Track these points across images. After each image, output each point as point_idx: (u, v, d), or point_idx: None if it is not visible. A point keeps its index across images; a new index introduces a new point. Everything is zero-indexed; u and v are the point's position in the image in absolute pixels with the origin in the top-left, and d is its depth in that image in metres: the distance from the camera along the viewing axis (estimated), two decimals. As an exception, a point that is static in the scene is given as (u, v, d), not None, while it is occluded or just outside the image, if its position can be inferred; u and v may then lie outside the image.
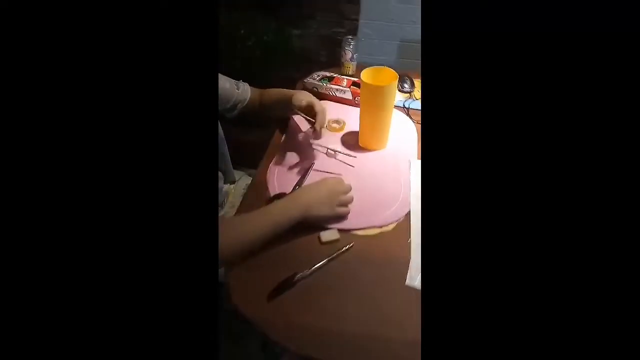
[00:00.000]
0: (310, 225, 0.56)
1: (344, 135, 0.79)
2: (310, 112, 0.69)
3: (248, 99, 0.77)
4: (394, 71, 0.67)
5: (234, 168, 0.85)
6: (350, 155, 0.72)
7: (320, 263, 0.51)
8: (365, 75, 0.67)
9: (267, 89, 0.80)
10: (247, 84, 0.79)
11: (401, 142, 0.76)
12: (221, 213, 0.77)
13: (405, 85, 0.94)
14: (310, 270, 0.50)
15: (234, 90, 0.75)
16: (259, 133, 0.86)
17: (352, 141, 0.76)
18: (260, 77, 0.96)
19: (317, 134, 0.69)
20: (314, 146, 0.73)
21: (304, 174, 0.67)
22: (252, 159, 0.80)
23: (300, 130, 0.78)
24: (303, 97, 0.69)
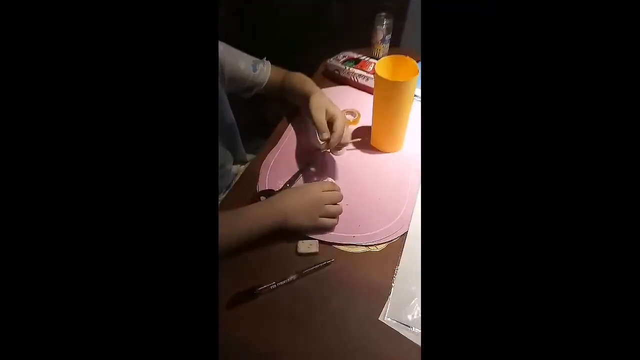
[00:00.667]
0: (290, 233, 0.51)
1: (356, 129, 0.70)
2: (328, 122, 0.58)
3: (266, 82, 0.69)
4: (416, 63, 0.56)
5: (248, 151, 0.81)
6: (354, 149, 0.64)
7: (289, 278, 0.47)
8: (382, 66, 0.57)
9: (291, 74, 0.71)
10: (269, 64, 0.70)
11: (420, 145, 0.66)
12: (222, 197, 0.75)
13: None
14: (276, 285, 0.46)
15: (250, 72, 0.67)
16: (281, 109, 0.79)
17: (364, 138, 0.67)
18: (292, 55, 0.89)
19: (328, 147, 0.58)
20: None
21: (297, 173, 0.61)
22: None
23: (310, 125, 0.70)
24: (322, 105, 0.58)
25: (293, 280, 0.47)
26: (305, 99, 0.62)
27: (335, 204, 0.53)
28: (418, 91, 0.73)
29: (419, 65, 0.56)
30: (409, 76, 0.55)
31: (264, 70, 0.69)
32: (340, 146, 0.63)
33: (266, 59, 0.70)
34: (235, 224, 0.48)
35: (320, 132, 0.57)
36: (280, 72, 0.72)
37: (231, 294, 0.46)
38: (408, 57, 0.57)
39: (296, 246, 0.51)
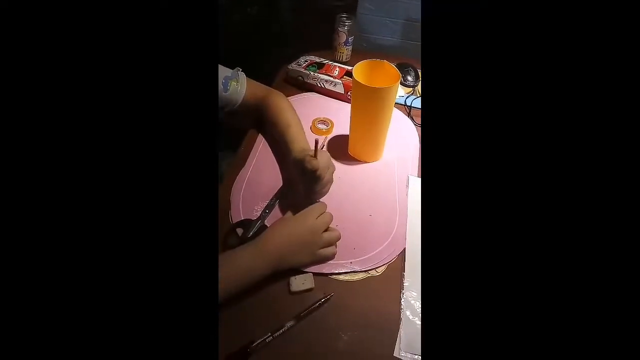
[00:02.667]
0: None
1: (331, 139, 0.65)
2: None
3: (240, 102, 0.59)
4: (395, 68, 0.52)
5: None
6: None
7: (286, 326, 0.40)
8: (359, 70, 0.53)
9: (273, 99, 0.60)
10: (244, 78, 0.59)
11: (400, 151, 0.63)
12: None
13: (409, 78, 0.80)
14: (272, 336, 0.39)
15: (219, 90, 0.56)
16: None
17: (340, 148, 0.63)
18: (243, 57, 0.81)
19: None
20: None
21: (276, 194, 0.54)
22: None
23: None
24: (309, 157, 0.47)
25: (291, 327, 0.40)
26: (286, 145, 0.53)
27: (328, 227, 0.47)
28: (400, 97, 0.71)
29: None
30: (388, 81, 0.52)
31: (237, 89, 0.58)
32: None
33: (241, 71, 0.60)
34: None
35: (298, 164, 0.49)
36: (259, 91, 0.61)
37: (222, 355, 0.37)
38: (385, 62, 0.53)
39: (288, 284, 0.44)
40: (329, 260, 0.46)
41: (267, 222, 0.50)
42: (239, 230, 0.48)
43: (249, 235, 0.47)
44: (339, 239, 0.47)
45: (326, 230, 0.47)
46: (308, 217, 0.46)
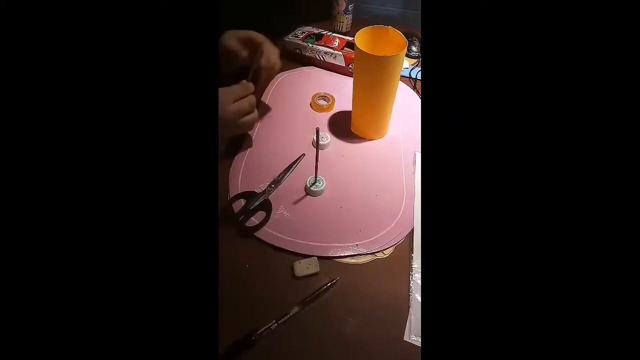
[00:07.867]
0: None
1: (332, 115, 0.61)
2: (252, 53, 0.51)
3: None
4: (401, 34, 0.48)
5: None
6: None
7: (291, 312, 0.38)
8: (362, 38, 0.48)
9: None
10: None
11: (405, 127, 0.60)
12: None
13: (413, 48, 0.75)
14: (277, 323, 0.38)
15: None
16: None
17: (342, 125, 0.59)
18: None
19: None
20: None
21: (287, 168, 0.51)
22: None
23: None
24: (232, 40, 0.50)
25: (296, 314, 0.39)
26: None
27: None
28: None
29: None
30: (393, 49, 0.48)
31: None
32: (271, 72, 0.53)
33: None
34: None
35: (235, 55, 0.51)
36: None
37: (225, 344, 0.36)
38: (390, 28, 0.49)
39: (292, 268, 0.42)
40: (250, 128, 0.50)
41: (271, 198, 0.48)
42: (242, 202, 0.47)
43: (251, 208, 0.46)
44: (253, 106, 0.48)
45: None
46: (222, 104, 0.45)
